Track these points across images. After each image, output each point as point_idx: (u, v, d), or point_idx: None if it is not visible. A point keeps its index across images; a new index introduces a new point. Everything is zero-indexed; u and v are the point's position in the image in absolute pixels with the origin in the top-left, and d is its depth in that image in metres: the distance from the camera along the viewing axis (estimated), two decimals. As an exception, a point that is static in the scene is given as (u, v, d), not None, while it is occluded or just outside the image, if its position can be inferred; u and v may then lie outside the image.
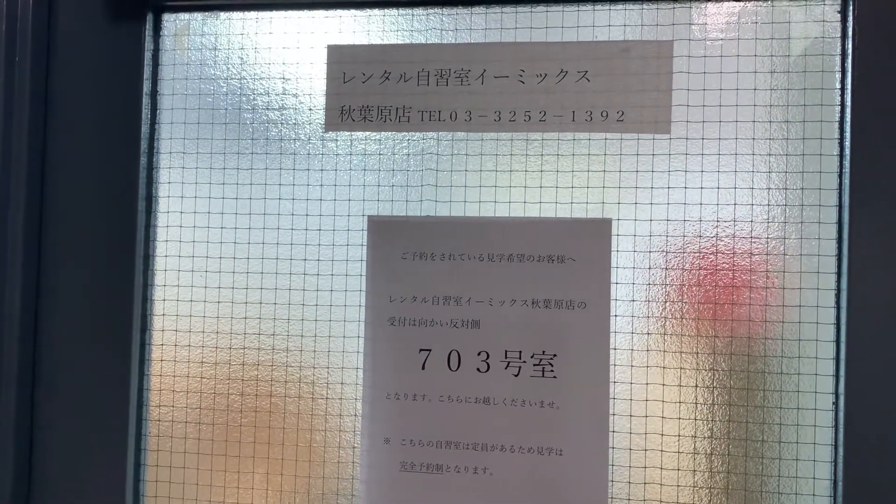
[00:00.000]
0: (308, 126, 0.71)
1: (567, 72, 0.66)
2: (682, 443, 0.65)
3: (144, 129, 0.73)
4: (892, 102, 0.62)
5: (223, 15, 0.73)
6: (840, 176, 0.64)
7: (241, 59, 0.73)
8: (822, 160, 0.64)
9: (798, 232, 0.64)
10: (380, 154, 0.70)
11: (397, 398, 0.67)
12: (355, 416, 0.70)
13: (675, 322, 0.66)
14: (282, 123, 0.72)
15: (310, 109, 0.71)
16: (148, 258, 0.73)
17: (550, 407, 0.65)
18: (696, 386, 0.65)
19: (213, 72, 0.73)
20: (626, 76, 0.65)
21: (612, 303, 0.65)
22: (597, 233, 0.66)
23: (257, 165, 0.72)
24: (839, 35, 0.65)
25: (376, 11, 0.71)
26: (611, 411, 0.65)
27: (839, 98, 0.64)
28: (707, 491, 0.65)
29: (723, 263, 0.65)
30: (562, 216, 0.67)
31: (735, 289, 0.65)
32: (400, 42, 0.70)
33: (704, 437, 0.65)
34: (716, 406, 0.65)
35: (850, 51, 0.63)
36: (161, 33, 0.74)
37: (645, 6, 0.67)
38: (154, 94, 0.74)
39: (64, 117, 0.73)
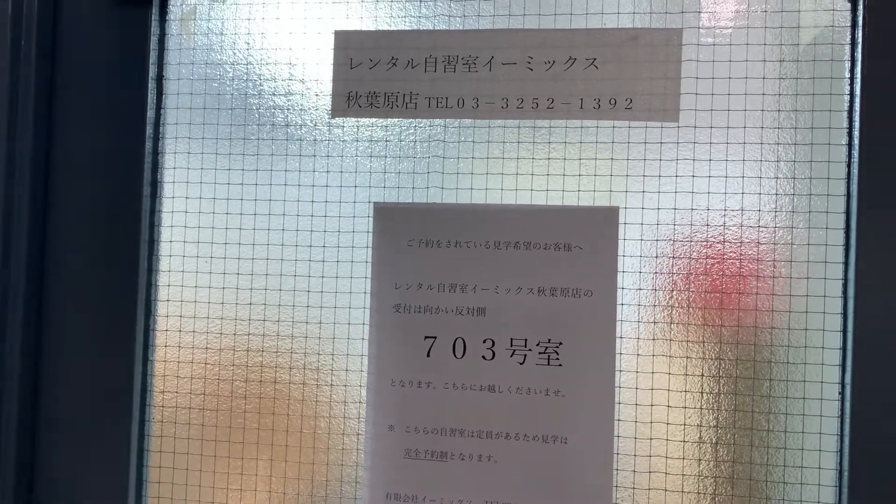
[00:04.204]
0: (314, 112, 0.71)
1: (575, 59, 0.66)
2: (687, 431, 0.65)
3: (150, 114, 0.72)
4: (901, 92, 0.62)
5: (230, 0, 0.73)
6: (849, 165, 0.64)
7: (248, 44, 0.72)
8: (830, 149, 0.64)
9: (806, 221, 0.64)
10: (386, 140, 0.70)
11: (402, 385, 0.67)
12: (360, 403, 0.69)
13: (682, 311, 0.66)
14: (288, 109, 0.71)
15: (316, 95, 0.71)
16: (153, 244, 0.73)
17: (556, 395, 0.65)
18: (702, 375, 0.65)
19: (219, 57, 0.73)
20: (635, 64, 0.65)
21: (619, 291, 0.65)
22: (604, 221, 0.65)
23: (263, 151, 0.72)
24: (849, 24, 0.64)
25: (384, -3, 0.70)
26: (616, 400, 0.65)
27: (848, 87, 0.64)
28: (712, 480, 0.65)
29: (730, 252, 0.65)
30: (569, 204, 0.67)
31: (742, 278, 0.65)
32: (407, 28, 0.70)
33: (710, 426, 0.65)
34: (721, 395, 0.65)
35: (859, 40, 0.63)
36: (167, 18, 0.74)
37: (654, -7, 0.66)
38: (160, 78, 0.73)
39: (69, 101, 0.73)
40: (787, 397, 0.64)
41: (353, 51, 0.69)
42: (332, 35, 0.69)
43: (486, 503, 0.65)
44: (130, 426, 0.71)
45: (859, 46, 0.63)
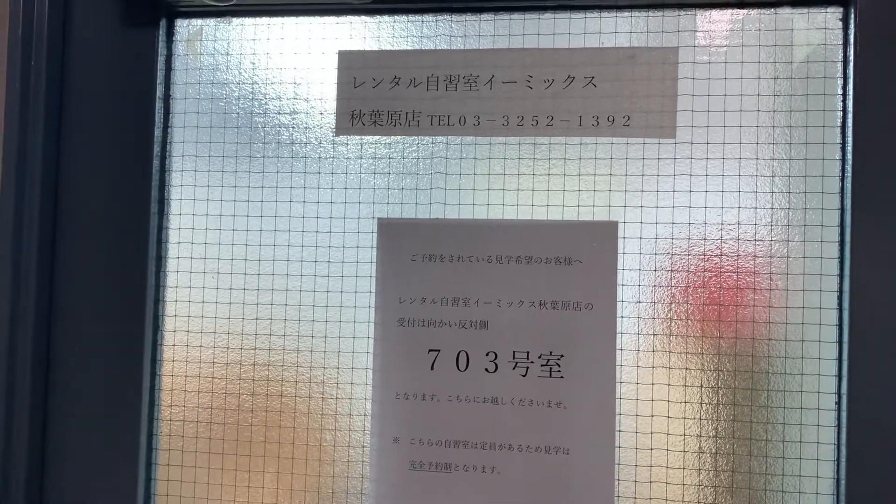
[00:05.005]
0: (319, 130, 0.73)
1: (574, 77, 0.67)
2: (687, 442, 0.66)
3: (157, 132, 0.74)
4: (892, 108, 0.63)
5: (235, 20, 0.74)
6: (842, 180, 0.65)
7: (253, 64, 0.74)
8: (824, 164, 0.66)
9: (801, 235, 0.66)
10: (389, 157, 0.71)
11: (406, 398, 0.68)
12: (365, 415, 0.71)
13: (681, 323, 0.67)
14: (293, 127, 0.73)
15: (321, 114, 0.72)
16: (160, 259, 0.74)
17: (558, 407, 0.66)
18: (701, 386, 0.66)
19: (225, 76, 0.74)
20: (632, 82, 0.67)
21: (619, 304, 0.66)
22: (603, 235, 0.67)
23: (268, 169, 0.73)
24: (841, 42, 0.66)
25: (386, 18, 0.72)
26: (617, 411, 0.66)
27: (841, 104, 0.66)
28: (712, 490, 0.66)
29: (727, 266, 0.66)
30: (569, 219, 0.68)
31: (739, 290, 0.66)
32: (410, 48, 0.71)
33: (709, 437, 0.66)
34: (720, 406, 0.66)
35: (851, 58, 0.65)
36: (174, 38, 0.75)
37: (651, 13, 0.68)
38: (167, 98, 0.75)
39: (78, 121, 0.74)
40: (784, 407, 0.65)
41: (356, 70, 0.70)
42: (336, 55, 0.71)
43: (490, 514, 0.66)
44: (139, 439, 0.72)
45: (851, 63, 0.65)
